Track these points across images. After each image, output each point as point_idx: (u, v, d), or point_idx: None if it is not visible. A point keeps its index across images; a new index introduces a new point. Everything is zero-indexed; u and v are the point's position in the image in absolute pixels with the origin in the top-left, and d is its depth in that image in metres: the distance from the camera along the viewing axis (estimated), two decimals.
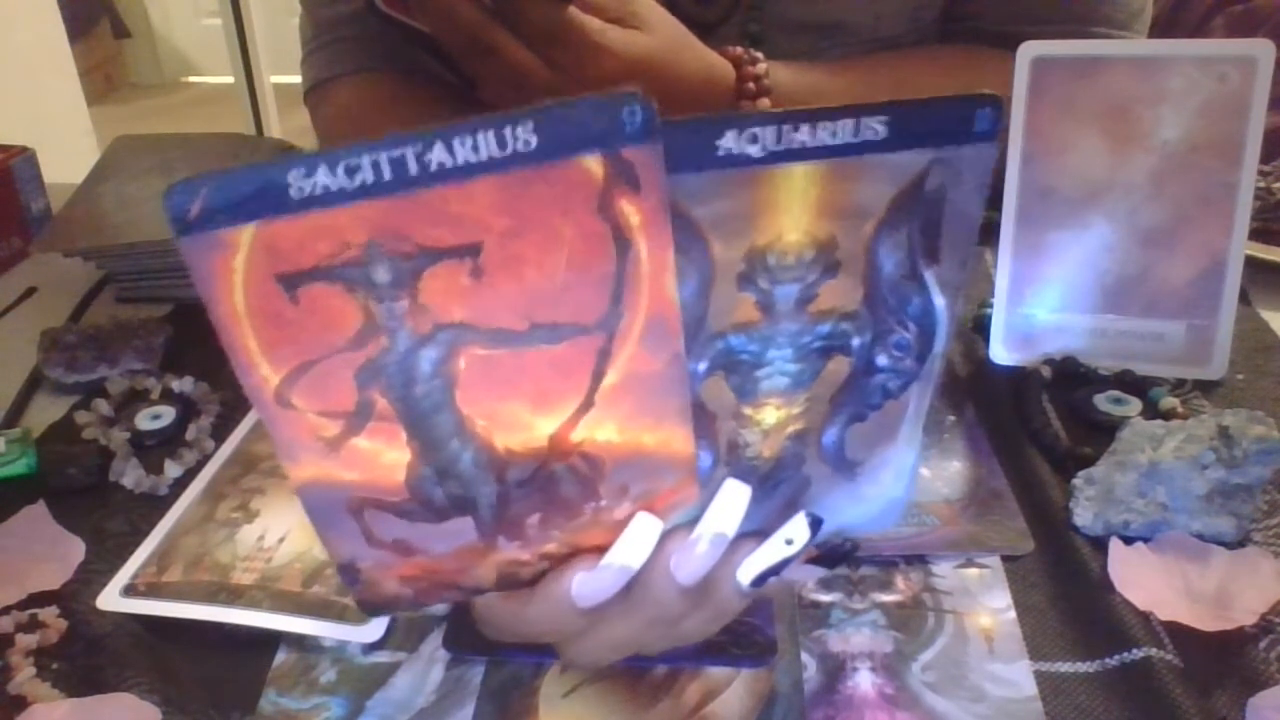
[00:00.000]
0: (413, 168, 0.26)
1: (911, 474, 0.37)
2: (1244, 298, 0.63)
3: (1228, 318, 0.56)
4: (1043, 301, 0.58)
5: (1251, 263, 0.61)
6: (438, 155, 0.26)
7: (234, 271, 0.26)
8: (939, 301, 0.33)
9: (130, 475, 0.52)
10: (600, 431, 0.31)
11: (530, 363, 0.29)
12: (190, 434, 0.55)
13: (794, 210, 0.30)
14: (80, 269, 0.73)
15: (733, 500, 0.32)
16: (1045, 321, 0.58)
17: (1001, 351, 0.59)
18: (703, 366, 0.32)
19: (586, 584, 0.33)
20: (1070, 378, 0.56)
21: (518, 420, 0.30)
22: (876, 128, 0.29)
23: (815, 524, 0.33)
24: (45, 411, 0.59)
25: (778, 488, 0.35)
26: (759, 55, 0.65)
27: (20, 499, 0.51)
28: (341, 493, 0.31)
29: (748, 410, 0.33)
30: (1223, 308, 0.56)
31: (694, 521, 0.33)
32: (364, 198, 0.26)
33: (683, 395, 0.31)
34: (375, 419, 0.30)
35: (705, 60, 0.63)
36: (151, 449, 0.55)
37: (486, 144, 0.26)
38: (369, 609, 0.34)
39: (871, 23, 0.73)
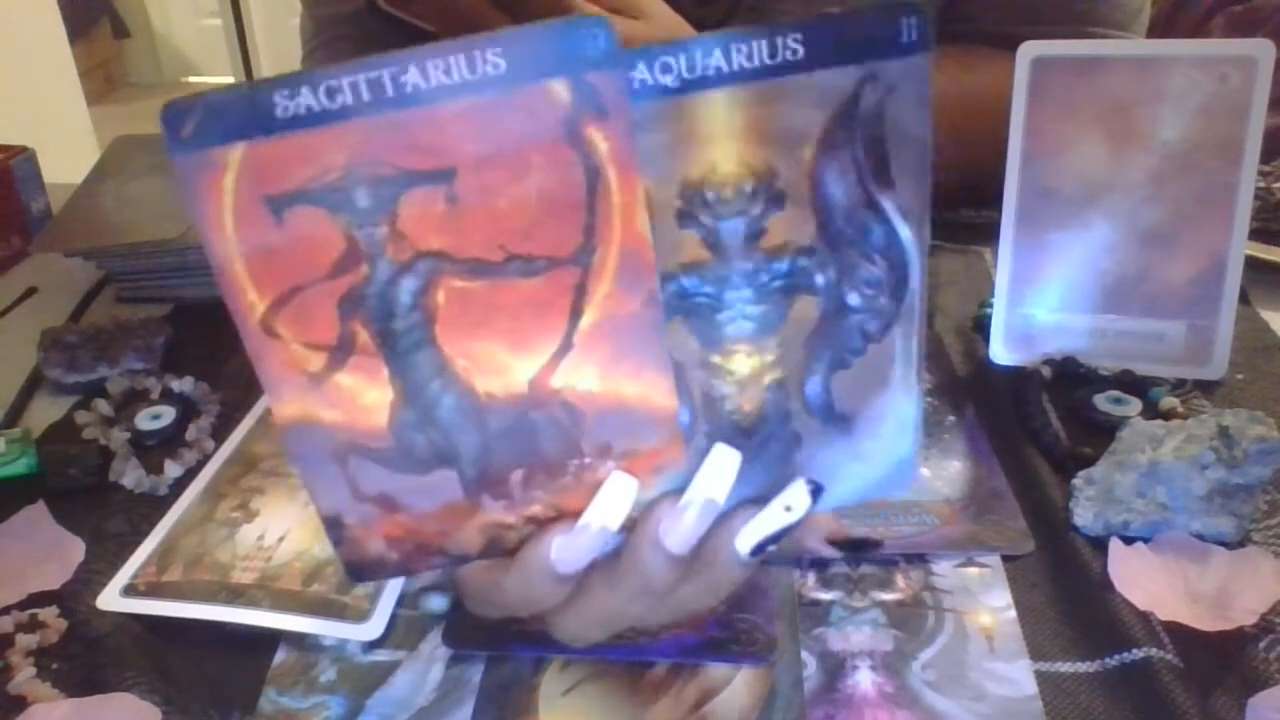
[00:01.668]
0: (389, 89, 0.27)
1: (916, 428, 0.36)
2: (1244, 298, 0.63)
3: (1228, 318, 0.56)
4: (1043, 301, 0.58)
5: (1251, 263, 0.61)
6: (412, 77, 0.27)
7: (224, 192, 0.28)
8: (903, 232, 0.32)
9: (130, 475, 0.52)
10: (580, 378, 0.31)
11: (507, 299, 0.30)
12: (190, 434, 0.55)
13: (722, 139, 0.30)
14: (80, 269, 0.73)
15: (722, 466, 0.32)
16: (1045, 321, 0.58)
17: (1001, 351, 0.59)
18: None
19: (565, 548, 0.33)
20: (1070, 378, 0.56)
21: (496, 362, 0.31)
22: (794, 46, 0.29)
23: (816, 491, 0.33)
24: (45, 411, 0.59)
25: (766, 445, 0.34)
26: None
27: (20, 499, 0.51)
28: (325, 435, 0.31)
29: (716, 359, 0.33)
30: (1223, 308, 0.56)
31: (684, 488, 0.33)
32: (344, 119, 0.27)
33: (660, 341, 0.31)
34: (357, 353, 0.30)
35: None
36: (151, 449, 0.55)
37: (458, 67, 0.27)
38: (354, 572, 0.34)
39: None
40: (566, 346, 0.31)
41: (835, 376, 0.34)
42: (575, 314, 0.30)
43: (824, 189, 0.31)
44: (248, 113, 0.27)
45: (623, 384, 0.31)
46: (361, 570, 0.34)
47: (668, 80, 0.29)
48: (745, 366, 0.33)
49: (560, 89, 0.27)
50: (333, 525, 0.33)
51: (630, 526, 0.33)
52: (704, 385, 0.33)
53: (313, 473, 0.32)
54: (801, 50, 0.29)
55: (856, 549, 0.36)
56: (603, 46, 0.27)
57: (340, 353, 0.30)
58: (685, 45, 0.28)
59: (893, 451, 0.36)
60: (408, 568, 0.34)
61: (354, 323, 0.30)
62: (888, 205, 0.32)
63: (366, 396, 0.31)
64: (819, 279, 0.32)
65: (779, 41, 0.29)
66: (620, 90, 0.28)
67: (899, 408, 0.35)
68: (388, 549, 0.34)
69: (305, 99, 0.27)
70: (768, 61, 0.29)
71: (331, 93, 0.27)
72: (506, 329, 0.30)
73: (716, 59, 0.28)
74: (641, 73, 0.28)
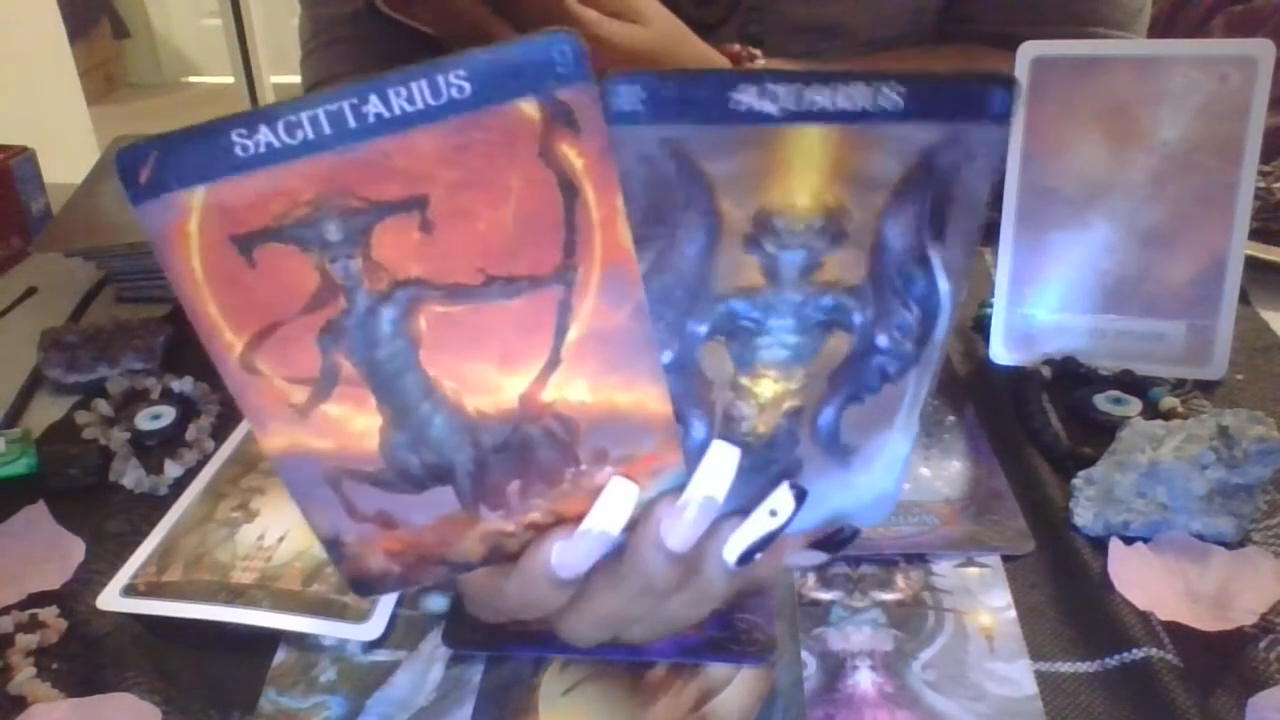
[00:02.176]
0: (351, 121, 0.26)
1: (904, 467, 0.36)
2: (1244, 298, 0.63)
3: (1228, 318, 0.56)
4: (1043, 301, 0.58)
5: (1251, 263, 0.61)
6: (374, 107, 0.26)
7: (189, 236, 0.27)
8: (943, 285, 0.33)
9: (130, 475, 0.52)
10: (571, 391, 0.31)
11: (491, 319, 0.29)
12: (190, 434, 0.55)
13: (806, 173, 0.30)
14: (80, 269, 0.73)
15: (722, 462, 0.32)
16: (1045, 321, 0.58)
17: (1001, 351, 0.59)
18: (703, 329, 0.32)
19: (566, 553, 0.33)
20: (1070, 378, 0.56)
21: (486, 381, 0.30)
22: (894, 97, 0.29)
23: (799, 495, 0.33)
24: (45, 411, 0.59)
25: (768, 468, 0.34)
26: (757, 52, 0.65)
27: (20, 499, 0.51)
28: (317, 463, 0.31)
29: (745, 381, 0.33)
30: (1223, 308, 0.56)
31: (683, 488, 0.33)
32: (307, 154, 0.26)
33: (650, 351, 0.31)
34: (342, 383, 0.30)
35: (703, 55, 0.63)
36: (151, 449, 0.55)
37: (421, 92, 0.26)
38: (358, 587, 0.34)
39: (870, 24, 0.73)
40: (554, 362, 0.30)
41: (846, 411, 0.34)
42: (561, 330, 0.30)
43: (885, 236, 0.31)
44: (205, 154, 0.26)
45: (614, 394, 0.31)
46: (365, 585, 0.34)
47: (771, 108, 0.28)
48: (770, 391, 0.33)
49: (529, 108, 0.27)
50: (332, 545, 0.33)
51: (630, 527, 0.33)
52: (727, 405, 0.33)
53: (307, 498, 0.32)
54: (901, 102, 0.29)
55: (836, 544, 0.36)
56: (571, 62, 0.26)
57: (324, 384, 0.30)
58: (794, 76, 0.28)
59: (878, 485, 0.37)
60: (410, 579, 0.34)
61: (336, 354, 0.29)
62: (935, 260, 0.32)
63: (355, 423, 0.31)
64: (857, 318, 0.33)
65: (883, 89, 0.29)
66: (592, 105, 0.27)
67: (895, 446, 0.36)
68: (389, 562, 0.33)
69: (264, 136, 0.26)
70: (867, 107, 0.29)
71: (291, 128, 0.26)
72: (492, 349, 0.30)
73: (821, 95, 0.29)
74: (748, 96, 0.28)
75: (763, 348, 0.32)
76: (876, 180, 0.30)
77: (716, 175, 0.29)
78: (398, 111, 0.26)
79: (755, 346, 0.32)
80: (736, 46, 0.65)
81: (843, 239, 0.31)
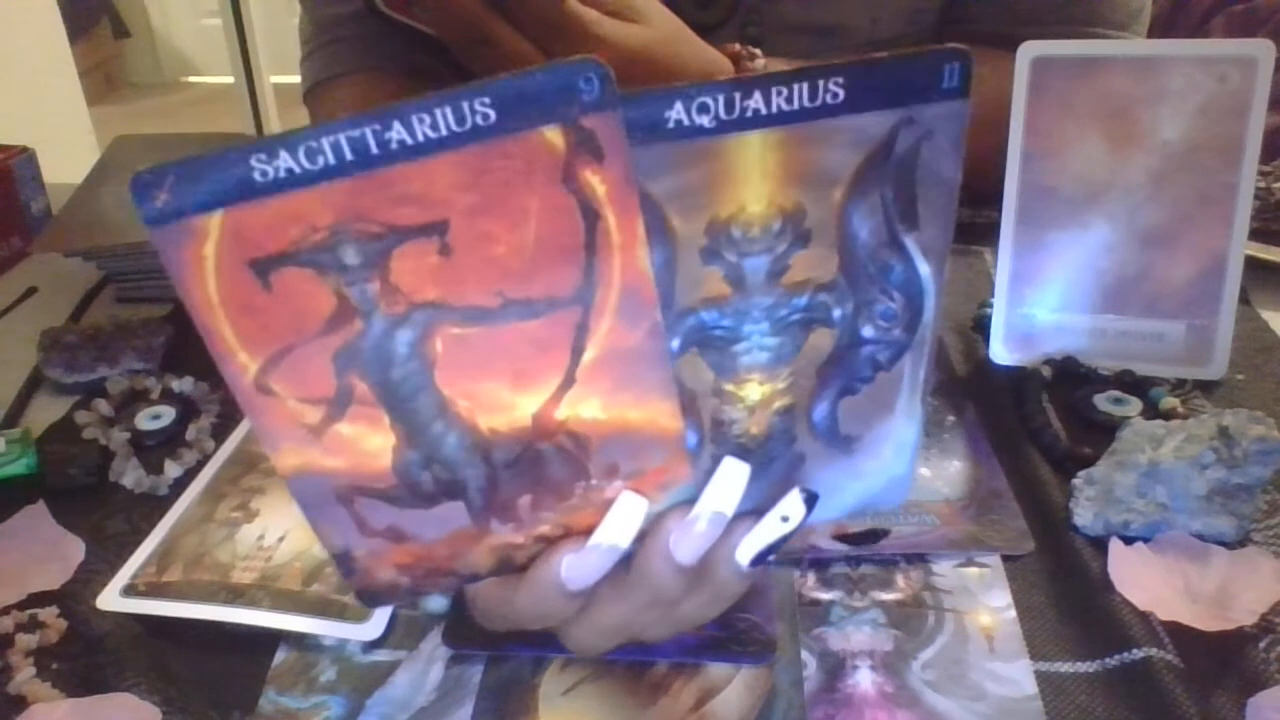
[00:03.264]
0: (373, 147, 0.26)
1: (914, 449, 0.36)
2: (1244, 298, 0.63)
3: (1228, 318, 0.56)
4: (1043, 301, 0.58)
5: (1251, 263, 0.61)
6: (397, 133, 0.26)
7: (205, 259, 0.27)
8: (923, 269, 0.32)
9: (130, 475, 0.52)
10: (584, 409, 0.31)
11: (507, 340, 0.29)
12: (190, 434, 0.55)
13: (754, 180, 0.29)
14: (80, 269, 0.73)
15: (732, 479, 0.32)
16: (1045, 321, 0.58)
17: (1001, 351, 0.59)
18: (676, 343, 0.31)
19: (575, 566, 0.33)
20: (1070, 378, 0.56)
21: (499, 400, 0.30)
22: (835, 90, 0.28)
23: (810, 500, 0.33)
24: (45, 411, 0.59)
25: (771, 465, 0.34)
26: (757, 51, 0.65)
27: (20, 499, 0.51)
28: (329, 481, 0.31)
29: (729, 387, 0.33)
30: (1223, 308, 0.56)
31: (692, 501, 0.33)
32: (327, 179, 0.26)
33: (664, 368, 0.30)
34: (356, 404, 0.30)
35: (703, 55, 0.63)
36: (151, 449, 0.55)
37: (445, 119, 0.26)
38: (367, 599, 0.34)
39: (869, 25, 0.74)
40: (569, 382, 0.30)
41: (842, 402, 0.34)
42: (577, 351, 0.30)
43: (850, 228, 0.31)
44: (224, 179, 0.26)
45: (627, 411, 0.31)
46: (374, 597, 0.34)
47: (705, 121, 0.28)
48: (757, 394, 0.33)
49: (554, 135, 0.27)
50: (342, 559, 0.33)
51: (639, 539, 0.33)
52: (715, 411, 0.33)
53: (317, 515, 0.32)
54: (842, 94, 0.28)
55: (862, 540, 0.36)
56: (596, 89, 0.26)
57: (338, 405, 0.30)
58: (724, 86, 0.28)
59: (890, 470, 0.36)
60: (420, 590, 0.34)
61: (351, 376, 0.29)
62: (910, 244, 0.32)
63: (369, 443, 0.30)
64: (836, 312, 0.32)
65: (820, 84, 0.28)
66: (616, 131, 0.27)
67: (900, 431, 0.35)
68: (399, 575, 0.34)
69: (284, 162, 0.26)
70: (807, 104, 0.28)
71: (311, 154, 0.26)
72: (507, 369, 0.30)
73: (755, 101, 0.28)
74: (679, 113, 0.28)
75: (741, 354, 0.32)
76: (831, 175, 0.30)
77: (659, 194, 0.29)
78: (421, 138, 0.26)
79: (733, 354, 0.32)
80: (737, 46, 0.65)
81: (806, 238, 0.31)
